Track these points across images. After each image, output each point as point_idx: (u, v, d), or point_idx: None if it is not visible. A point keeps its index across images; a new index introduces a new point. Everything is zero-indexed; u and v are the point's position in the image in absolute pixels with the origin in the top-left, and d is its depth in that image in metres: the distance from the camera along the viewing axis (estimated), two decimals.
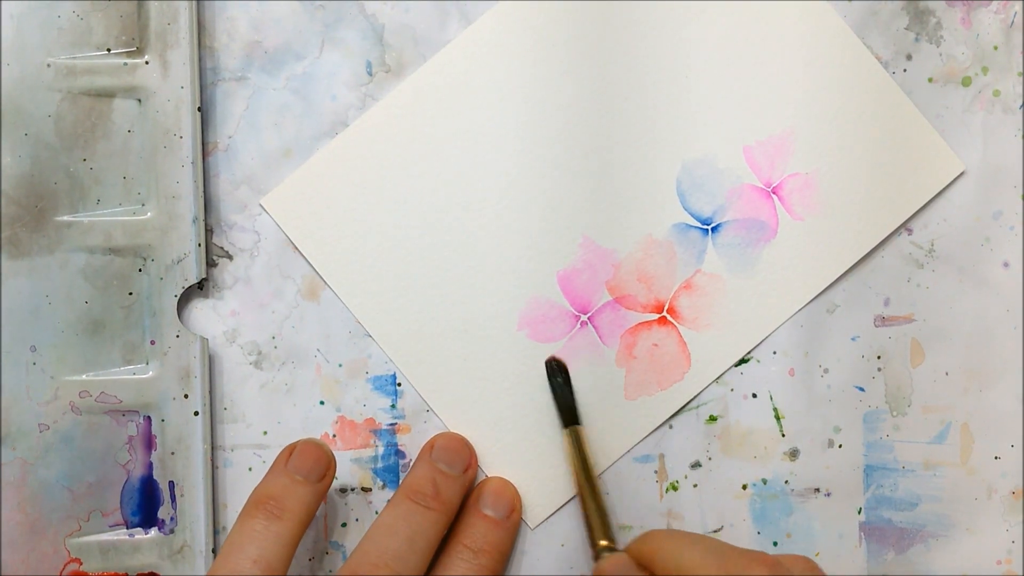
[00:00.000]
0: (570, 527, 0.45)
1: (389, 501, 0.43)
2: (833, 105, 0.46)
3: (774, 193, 0.46)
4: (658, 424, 0.45)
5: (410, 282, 0.45)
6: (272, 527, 0.40)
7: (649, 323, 0.45)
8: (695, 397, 0.46)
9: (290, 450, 0.42)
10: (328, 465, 0.42)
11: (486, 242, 0.45)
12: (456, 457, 0.44)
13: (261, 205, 0.45)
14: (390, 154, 0.45)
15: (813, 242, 0.46)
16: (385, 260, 0.45)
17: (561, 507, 0.45)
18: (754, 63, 0.46)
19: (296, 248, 0.45)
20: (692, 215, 0.46)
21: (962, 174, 0.46)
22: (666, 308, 0.45)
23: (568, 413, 0.44)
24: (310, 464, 0.42)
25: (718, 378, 0.46)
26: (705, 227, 0.46)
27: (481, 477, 0.45)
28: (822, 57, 0.46)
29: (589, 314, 0.45)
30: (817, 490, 0.46)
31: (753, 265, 0.45)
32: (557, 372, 0.45)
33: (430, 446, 0.44)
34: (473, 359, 0.45)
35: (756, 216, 0.46)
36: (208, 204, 0.45)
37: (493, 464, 0.45)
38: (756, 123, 0.46)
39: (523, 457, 0.45)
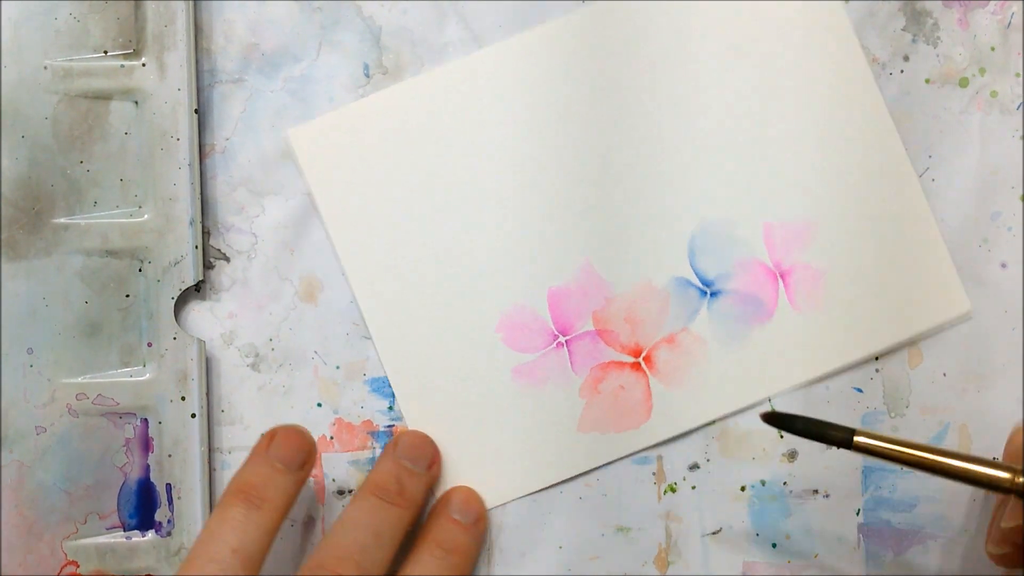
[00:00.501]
0: (569, 528, 0.45)
1: (353, 497, 0.43)
2: (862, 212, 0.45)
3: (781, 277, 0.45)
4: (598, 464, 0.45)
5: (409, 254, 0.45)
6: (252, 516, 0.40)
7: (623, 364, 0.45)
8: (642, 450, 0.45)
9: (270, 436, 0.42)
10: (309, 452, 0.42)
11: (489, 237, 0.45)
12: (420, 454, 0.44)
13: (286, 138, 0.45)
14: (424, 127, 0.45)
15: (805, 336, 0.45)
16: (391, 226, 0.45)
17: (512, 501, 0.45)
18: (796, 146, 0.45)
19: (310, 194, 0.45)
20: (696, 273, 0.45)
21: (967, 312, 0.46)
22: (643, 355, 0.45)
23: (835, 431, 0.40)
24: (291, 452, 0.41)
25: (672, 438, 0.45)
26: (705, 289, 0.45)
27: (445, 481, 0.45)
28: (862, 160, 0.45)
29: (568, 337, 0.45)
30: (816, 491, 0.46)
31: (740, 340, 0.45)
32: (788, 422, 0.41)
33: (394, 443, 0.44)
34: (444, 346, 0.45)
35: (757, 294, 0.45)
36: (205, 206, 0.45)
37: (452, 456, 0.45)
38: (784, 203, 0.45)
39: (479, 451, 0.45)
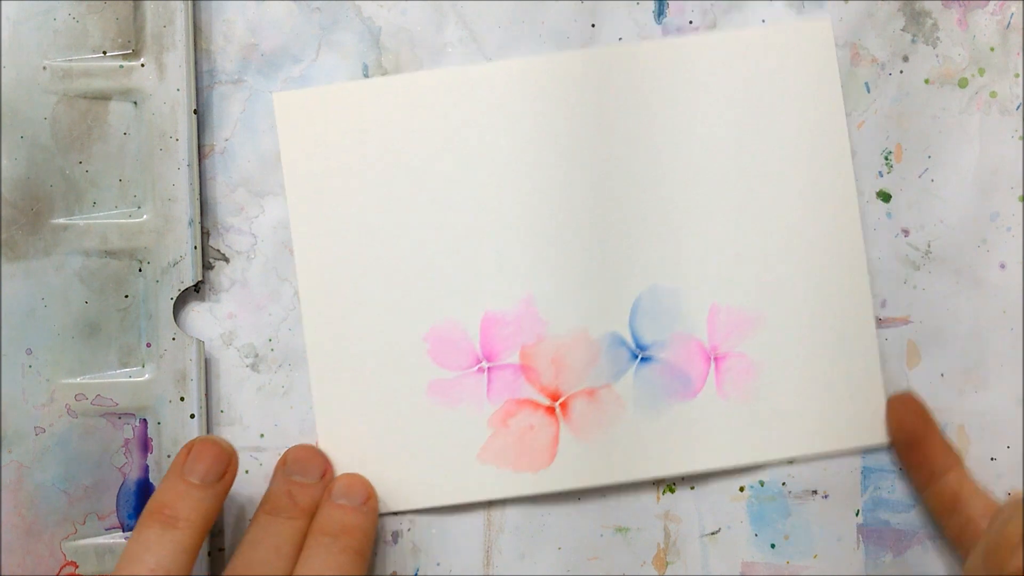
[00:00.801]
0: (568, 529, 0.45)
1: (252, 518, 0.43)
2: (810, 319, 0.45)
3: (714, 360, 0.45)
4: (490, 498, 0.45)
5: (360, 241, 0.45)
6: (167, 535, 0.39)
7: (538, 405, 0.45)
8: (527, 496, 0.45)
9: (187, 450, 0.41)
10: (227, 464, 0.41)
11: (440, 246, 0.45)
12: (310, 466, 0.44)
13: (272, 96, 0.45)
14: (405, 124, 0.45)
15: (722, 424, 0.45)
16: (349, 210, 0.45)
17: (417, 512, 0.45)
18: (762, 237, 0.45)
19: (280, 160, 0.45)
20: (633, 334, 0.45)
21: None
22: (560, 400, 0.45)
23: None
24: (207, 465, 0.41)
25: (563, 492, 0.45)
26: (638, 352, 0.45)
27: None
28: (823, 269, 0.45)
29: (491, 364, 0.45)
30: (815, 492, 0.46)
31: (658, 412, 0.45)
32: None
33: (283, 461, 0.44)
34: (371, 341, 0.45)
35: (687, 371, 0.45)
36: (205, 207, 0.45)
37: (359, 452, 0.45)
38: (736, 289, 0.45)
39: (384, 453, 0.45)
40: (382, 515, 0.45)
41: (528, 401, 0.45)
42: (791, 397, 0.45)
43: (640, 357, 0.45)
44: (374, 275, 0.45)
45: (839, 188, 0.45)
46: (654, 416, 0.45)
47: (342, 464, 0.45)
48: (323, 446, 0.45)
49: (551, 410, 0.45)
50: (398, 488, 0.44)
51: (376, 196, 0.45)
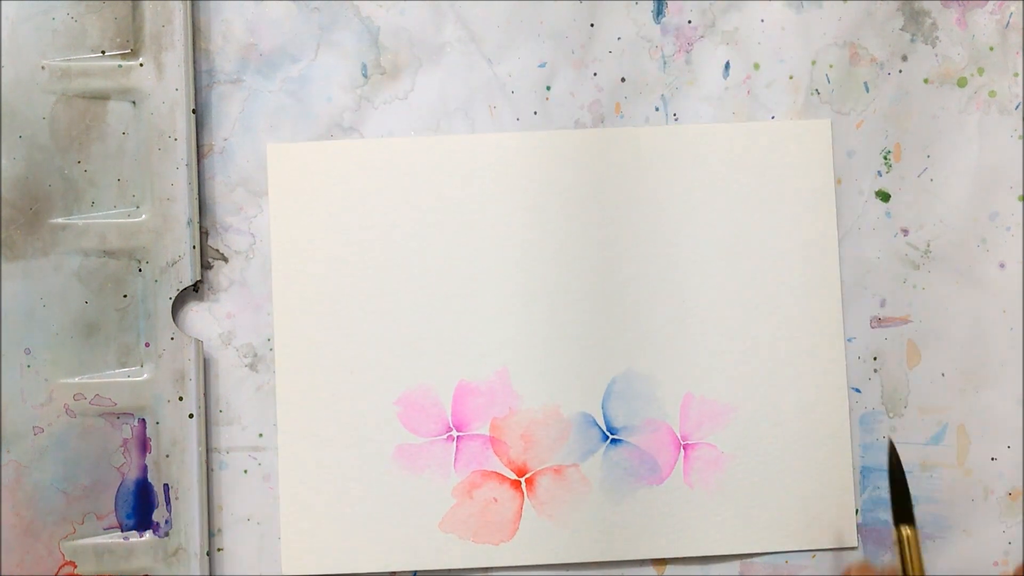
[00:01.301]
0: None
1: None
2: (784, 417, 0.45)
3: (684, 449, 0.45)
4: (448, 567, 0.44)
5: (338, 299, 0.45)
6: None
7: (504, 479, 0.45)
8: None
9: None
10: None
11: (419, 312, 0.45)
12: None
13: (265, 151, 0.45)
14: (395, 189, 0.45)
15: (686, 513, 0.45)
16: (330, 267, 0.45)
17: None
18: (744, 333, 0.45)
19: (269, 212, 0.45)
20: (605, 416, 0.45)
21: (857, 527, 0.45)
22: (527, 476, 0.45)
23: (906, 507, 0.41)
24: None
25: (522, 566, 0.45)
26: (608, 434, 0.45)
27: (299, 535, 0.44)
28: (803, 370, 0.45)
29: (461, 434, 0.45)
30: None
31: (623, 495, 0.45)
32: (899, 465, 0.42)
33: None
34: (341, 401, 0.44)
35: (656, 457, 0.45)
36: (203, 206, 0.45)
37: (314, 510, 0.44)
38: (711, 381, 0.45)
39: (341, 514, 0.44)
40: None
41: (494, 473, 0.45)
42: (758, 492, 0.45)
43: (610, 439, 0.45)
44: (351, 334, 0.45)
45: (824, 288, 0.45)
46: (619, 499, 0.45)
47: (303, 518, 0.44)
48: (283, 498, 0.44)
49: (516, 484, 0.45)
50: (356, 549, 0.44)
51: (361, 256, 0.45)
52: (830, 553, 0.45)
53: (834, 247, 0.45)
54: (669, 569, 0.45)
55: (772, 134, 0.45)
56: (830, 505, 0.45)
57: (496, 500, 0.45)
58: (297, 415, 0.45)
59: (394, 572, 0.44)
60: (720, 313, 0.45)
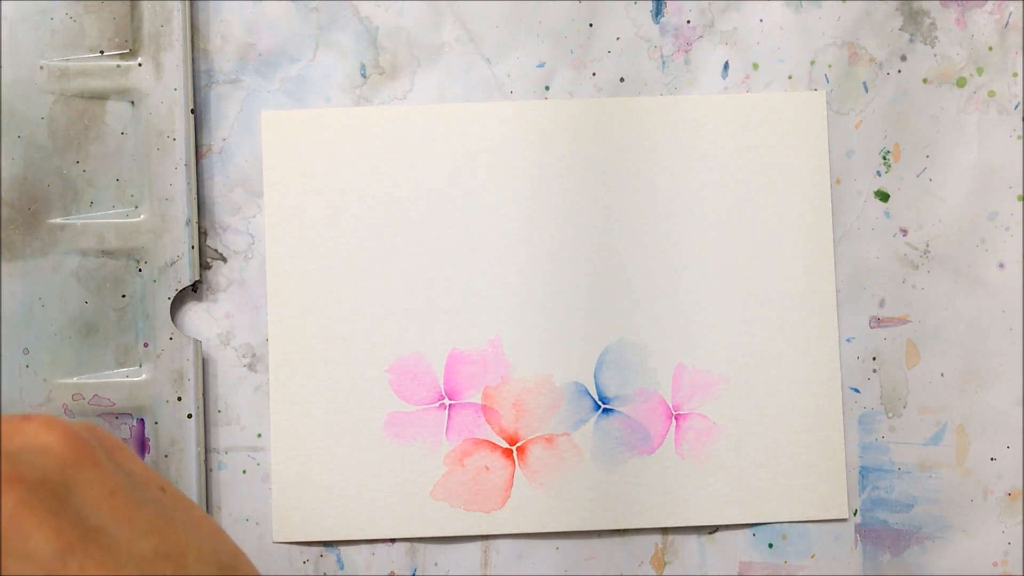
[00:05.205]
0: (565, 531, 0.45)
1: None
2: (776, 387, 0.45)
3: (675, 419, 0.45)
4: (439, 535, 0.44)
5: (332, 266, 0.45)
6: None
7: (495, 447, 0.45)
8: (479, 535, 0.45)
9: None
10: None
11: (411, 280, 0.45)
12: None
13: (262, 116, 0.45)
14: (391, 156, 0.45)
15: (677, 483, 0.45)
16: (325, 234, 0.45)
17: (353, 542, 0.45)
18: (737, 302, 0.45)
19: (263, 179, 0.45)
20: (597, 385, 0.45)
21: (845, 519, 0.45)
22: (518, 445, 0.45)
23: None
24: None
25: (515, 533, 0.45)
26: (600, 403, 0.45)
27: (293, 501, 0.45)
28: (795, 339, 0.45)
29: (453, 402, 0.45)
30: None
31: (614, 464, 0.45)
32: None
33: None
34: (333, 367, 0.45)
35: (647, 426, 0.45)
36: (202, 206, 0.45)
37: (306, 478, 0.44)
38: (703, 351, 0.45)
39: (332, 483, 0.44)
40: (327, 543, 0.44)
41: (486, 442, 0.45)
42: (749, 463, 0.45)
43: (602, 408, 0.45)
44: (344, 301, 0.45)
45: (818, 259, 0.45)
46: (610, 468, 0.45)
47: (294, 486, 0.44)
48: (275, 467, 0.44)
49: (508, 453, 0.45)
50: (347, 516, 0.44)
51: (354, 223, 0.45)
52: (830, 554, 0.45)
53: (828, 215, 0.45)
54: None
55: (769, 105, 0.46)
56: (821, 476, 0.45)
57: (488, 468, 0.45)
58: (288, 385, 0.45)
59: (386, 538, 0.44)
60: (714, 283, 0.45)
